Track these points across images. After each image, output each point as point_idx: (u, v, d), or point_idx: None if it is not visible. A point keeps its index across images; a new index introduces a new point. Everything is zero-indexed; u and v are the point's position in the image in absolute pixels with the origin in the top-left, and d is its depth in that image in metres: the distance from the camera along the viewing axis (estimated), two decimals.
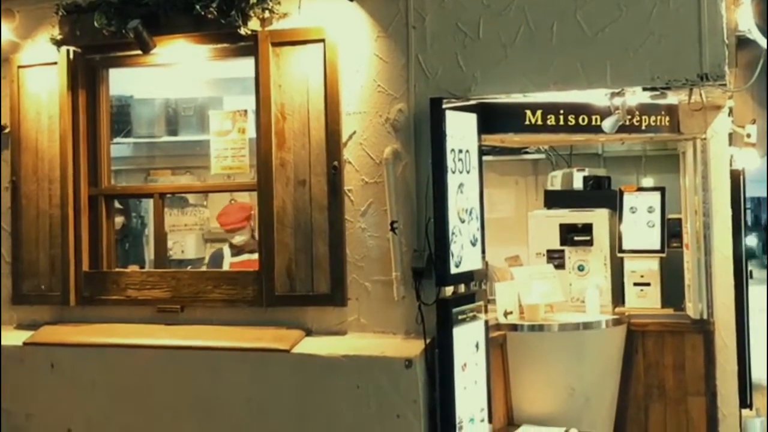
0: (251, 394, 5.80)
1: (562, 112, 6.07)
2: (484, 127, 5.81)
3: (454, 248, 5.39)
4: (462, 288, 5.60)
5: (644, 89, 5.59)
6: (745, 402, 7.28)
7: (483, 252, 5.81)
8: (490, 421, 5.82)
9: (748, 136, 7.38)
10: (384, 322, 5.75)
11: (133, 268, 7.39)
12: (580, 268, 7.18)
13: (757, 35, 6.00)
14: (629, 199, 7.25)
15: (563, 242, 7.24)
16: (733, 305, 6.76)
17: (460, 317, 5.46)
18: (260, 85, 5.95)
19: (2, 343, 6.32)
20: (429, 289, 5.51)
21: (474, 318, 5.63)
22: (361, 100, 5.80)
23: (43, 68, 6.47)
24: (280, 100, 5.93)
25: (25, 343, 6.36)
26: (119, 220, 7.77)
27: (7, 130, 6.58)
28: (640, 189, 7.42)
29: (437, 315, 5.42)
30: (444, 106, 5.44)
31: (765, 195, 17.45)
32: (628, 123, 6.05)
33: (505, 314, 6.65)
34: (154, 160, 8.99)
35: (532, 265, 7.21)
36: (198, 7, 5.81)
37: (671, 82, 5.30)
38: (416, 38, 5.69)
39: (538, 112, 6.03)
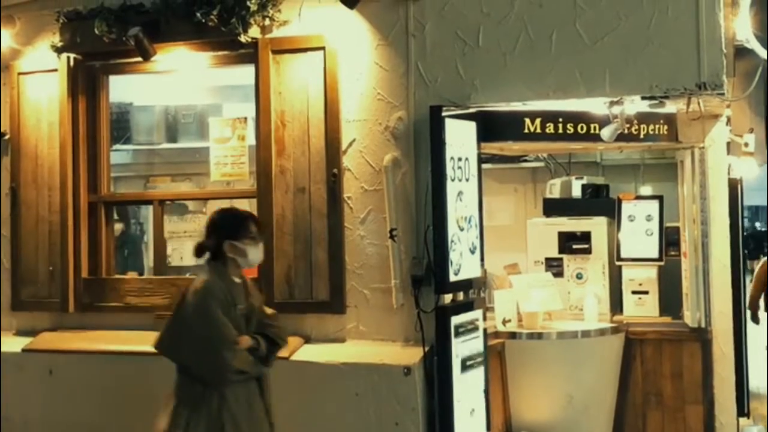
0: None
1: (561, 120, 6.09)
2: (483, 135, 5.83)
3: (453, 256, 5.41)
4: (461, 296, 5.62)
5: (643, 98, 5.61)
6: (742, 410, 7.29)
7: (482, 260, 5.83)
8: (489, 428, 5.82)
9: (746, 145, 7.40)
10: (383, 329, 5.75)
11: (132, 274, 7.38)
12: (579, 276, 7.18)
13: (755, 45, 6.02)
14: (627, 208, 7.25)
15: (562, 250, 7.25)
16: (730, 314, 6.77)
17: (458, 325, 5.47)
18: (260, 93, 5.97)
19: (1, 349, 6.31)
20: (428, 296, 5.52)
21: (473, 325, 5.63)
22: (360, 107, 5.82)
23: (43, 75, 6.49)
24: (280, 108, 5.94)
25: (24, 350, 6.36)
26: (118, 226, 7.78)
27: (7, 137, 6.59)
28: (639, 197, 7.43)
29: (436, 322, 5.43)
30: (443, 114, 5.45)
31: (763, 204, 17.44)
32: (626, 131, 6.07)
33: (504, 322, 6.66)
34: (154, 167, 8.99)
35: (531, 273, 7.22)
36: (198, 14, 5.83)
37: (670, 91, 5.33)
38: (416, 46, 5.71)
39: (537, 121, 6.04)
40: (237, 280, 4.89)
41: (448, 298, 5.51)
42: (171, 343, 4.81)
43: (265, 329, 4.91)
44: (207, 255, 4.86)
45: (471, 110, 5.69)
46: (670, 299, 7.07)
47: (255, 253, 4.90)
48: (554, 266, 7.21)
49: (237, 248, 4.82)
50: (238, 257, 4.83)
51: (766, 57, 6.06)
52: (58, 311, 6.44)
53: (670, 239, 7.16)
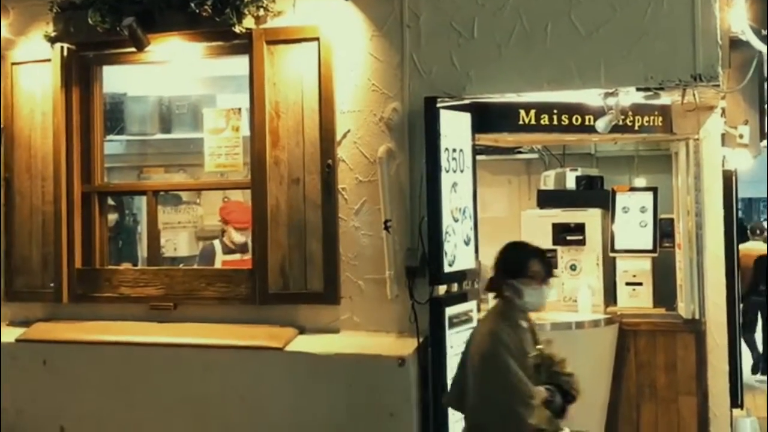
0: (244, 392, 5.80)
1: (555, 111, 6.09)
2: (478, 127, 5.82)
3: (447, 247, 5.41)
4: (455, 287, 5.61)
5: (638, 89, 5.61)
6: (736, 402, 7.31)
7: (476, 251, 5.82)
8: None
9: (741, 136, 7.39)
10: (377, 320, 5.75)
11: (126, 265, 7.39)
12: (573, 268, 7.19)
13: (750, 36, 6.02)
14: (622, 199, 7.27)
15: (556, 242, 7.25)
16: (724, 305, 6.78)
17: (452, 316, 5.48)
18: (254, 83, 5.95)
19: None
20: (422, 287, 5.52)
21: (467, 317, 5.64)
22: (355, 98, 5.81)
23: (36, 65, 6.46)
24: (274, 99, 5.93)
25: (17, 340, 6.35)
26: (112, 217, 7.77)
27: (1, 127, 6.57)
28: (633, 189, 7.44)
29: (430, 314, 5.43)
30: (438, 105, 5.45)
31: (757, 196, 17.48)
32: (621, 123, 6.07)
33: None
34: (148, 158, 8.98)
35: None
36: (193, 4, 5.81)
37: (665, 83, 5.32)
38: (411, 37, 5.69)
39: (532, 112, 6.04)
40: (524, 324, 4.49)
41: (442, 289, 5.51)
42: (458, 396, 4.47)
43: (556, 379, 4.50)
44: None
45: (466, 101, 5.68)
46: (664, 291, 7.09)
47: (534, 296, 4.49)
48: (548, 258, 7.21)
49: (514, 288, 4.44)
50: (515, 298, 4.46)
51: (763, 49, 6.06)
52: (52, 302, 6.42)
53: (664, 231, 7.17)
